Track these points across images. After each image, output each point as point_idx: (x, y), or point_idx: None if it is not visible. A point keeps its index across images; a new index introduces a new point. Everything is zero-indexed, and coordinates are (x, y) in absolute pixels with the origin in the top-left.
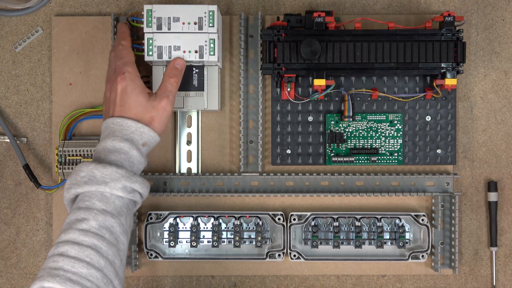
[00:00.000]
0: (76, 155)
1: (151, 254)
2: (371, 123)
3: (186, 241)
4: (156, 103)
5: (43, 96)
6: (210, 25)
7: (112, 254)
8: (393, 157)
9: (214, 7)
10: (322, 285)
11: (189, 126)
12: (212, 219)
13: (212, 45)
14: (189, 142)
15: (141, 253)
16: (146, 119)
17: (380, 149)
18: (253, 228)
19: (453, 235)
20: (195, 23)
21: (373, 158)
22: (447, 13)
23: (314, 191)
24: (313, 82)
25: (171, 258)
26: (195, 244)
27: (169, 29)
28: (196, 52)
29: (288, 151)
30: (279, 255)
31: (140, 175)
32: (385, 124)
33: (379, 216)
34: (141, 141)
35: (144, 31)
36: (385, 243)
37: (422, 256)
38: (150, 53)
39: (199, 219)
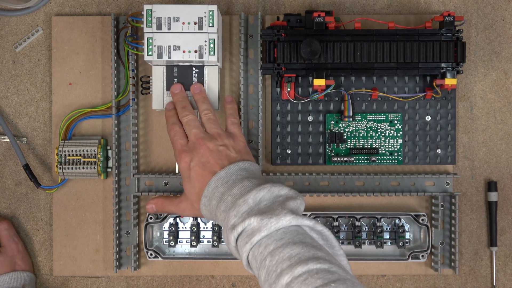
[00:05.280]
0: (76, 155)
1: (151, 254)
2: (371, 123)
3: (186, 241)
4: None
5: (43, 96)
6: (210, 25)
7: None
8: (393, 157)
9: (214, 7)
10: None
11: None
12: None
13: (212, 45)
14: None
15: (141, 253)
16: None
17: (380, 149)
18: None
19: (453, 235)
20: (195, 23)
21: (373, 158)
22: (447, 13)
23: (314, 191)
24: (313, 82)
25: (171, 258)
26: (195, 244)
27: (169, 29)
28: (196, 52)
29: (288, 151)
30: None
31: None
32: (385, 124)
33: (379, 216)
34: None
35: (144, 31)
36: (385, 243)
37: (422, 256)
38: (150, 53)
39: (199, 218)
